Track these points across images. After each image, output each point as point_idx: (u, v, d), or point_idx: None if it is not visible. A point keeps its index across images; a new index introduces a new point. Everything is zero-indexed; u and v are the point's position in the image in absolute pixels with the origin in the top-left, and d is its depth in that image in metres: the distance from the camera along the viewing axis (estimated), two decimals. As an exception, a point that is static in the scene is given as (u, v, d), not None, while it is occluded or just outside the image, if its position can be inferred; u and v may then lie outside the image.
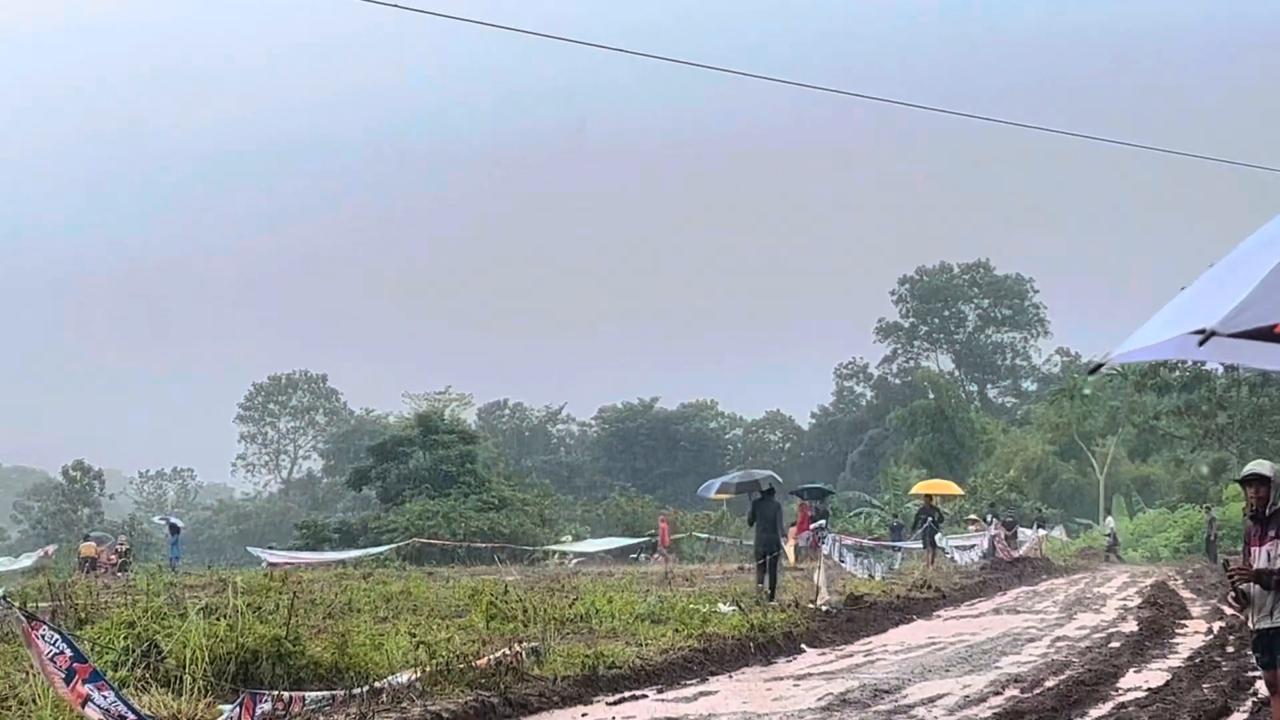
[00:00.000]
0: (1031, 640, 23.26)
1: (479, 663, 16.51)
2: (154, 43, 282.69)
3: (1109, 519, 67.15)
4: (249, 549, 79.88)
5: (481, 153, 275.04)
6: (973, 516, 61.78)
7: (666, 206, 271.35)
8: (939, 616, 29.71)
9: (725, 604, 26.36)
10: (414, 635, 19.33)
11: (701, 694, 17.11)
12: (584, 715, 15.57)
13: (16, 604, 12.98)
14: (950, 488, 60.47)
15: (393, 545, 63.33)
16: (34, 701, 13.34)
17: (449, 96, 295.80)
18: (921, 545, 47.32)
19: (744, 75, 45.91)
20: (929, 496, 50.73)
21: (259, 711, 12.83)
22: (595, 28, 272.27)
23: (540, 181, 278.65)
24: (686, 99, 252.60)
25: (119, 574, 48.37)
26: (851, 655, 21.43)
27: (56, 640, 12.01)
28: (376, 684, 14.92)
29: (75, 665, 11.88)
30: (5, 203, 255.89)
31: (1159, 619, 26.15)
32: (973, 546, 50.64)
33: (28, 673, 14.62)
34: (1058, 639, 23.39)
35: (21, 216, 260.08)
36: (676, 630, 21.96)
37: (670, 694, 17.06)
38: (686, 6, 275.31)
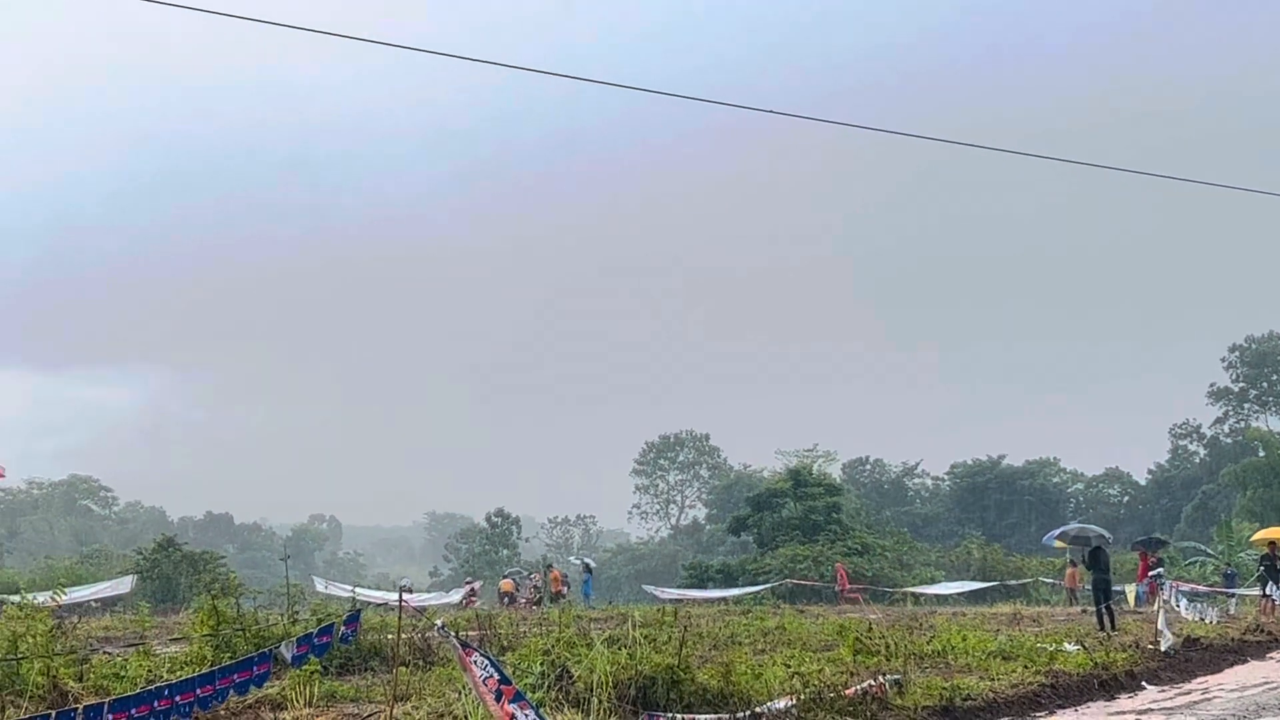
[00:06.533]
0: (1364, 682, 21.88)
1: (847, 692, 16.37)
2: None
3: None
4: (644, 586, 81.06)
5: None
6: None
7: (1007, 281, 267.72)
8: (1272, 658, 28.14)
9: (1070, 643, 25.56)
10: (789, 666, 19.29)
11: (1050, 725, 16.63)
12: (942, 742, 15.29)
13: (453, 633, 13.41)
14: None
15: (768, 585, 63.44)
16: (466, 718, 13.79)
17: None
18: (1261, 592, 44.60)
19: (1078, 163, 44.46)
20: (1272, 544, 47.57)
21: (656, 731, 12.98)
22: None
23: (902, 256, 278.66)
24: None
25: (534, 607, 49.58)
26: (1189, 693, 20.48)
27: (486, 665, 12.39)
28: (757, 709, 14.93)
29: (502, 687, 12.23)
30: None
31: None
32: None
33: (460, 692, 15.14)
34: (1389, 681, 21.95)
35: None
36: (1025, 666, 21.35)
37: (1021, 724, 16.63)
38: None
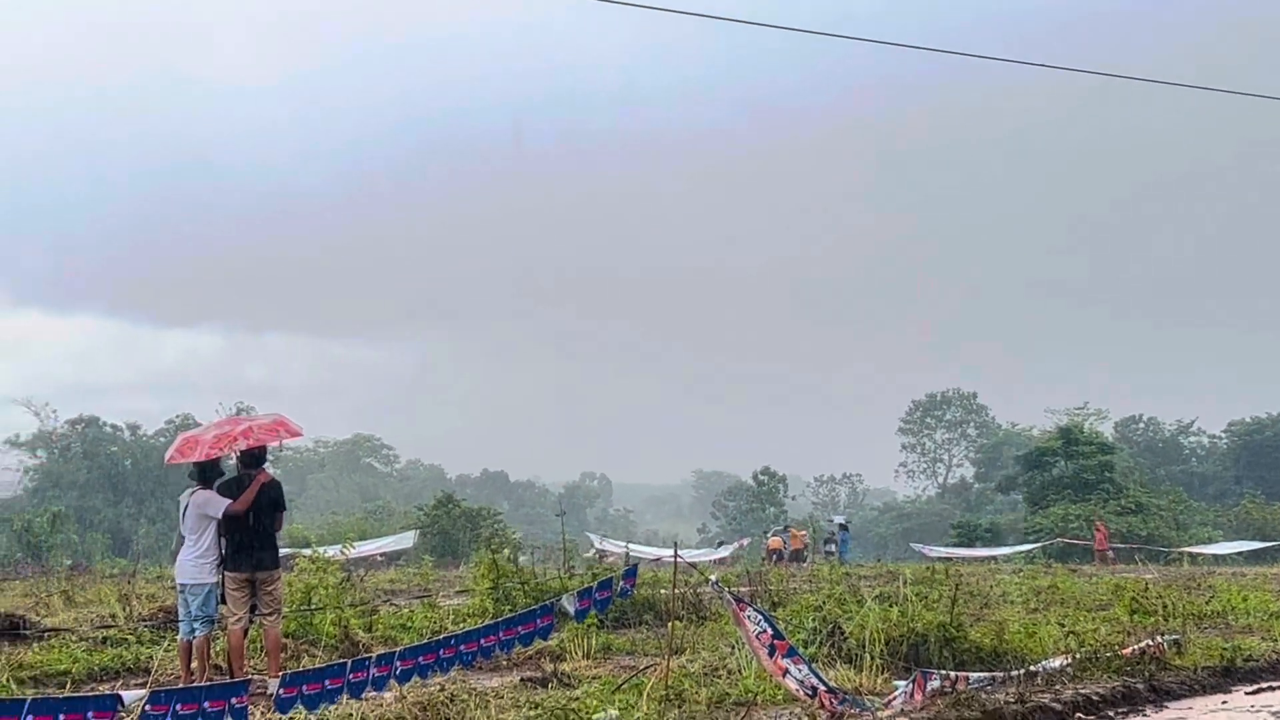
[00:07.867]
0: None
1: (1123, 652, 16.06)
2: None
3: None
4: (911, 545, 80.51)
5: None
6: None
7: None
8: None
9: (1360, 605, 24.54)
10: (1063, 625, 18.99)
11: (1338, 688, 16.02)
12: (1224, 703, 14.83)
13: (726, 589, 13.58)
14: None
15: (1038, 544, 62.40)
16: (739, 671, 13.95)
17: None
18: None
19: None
20: None
21: (929, 688, 12.93)
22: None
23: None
24: None
25: (801, 564, 49.66)
26: None
27: (759, 620, 12.50)
28: (1031, 668, 14.77)
29: (775, 642, 12.34)
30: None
31: None
32: None
33: (733, 646, 15.31)
34: None
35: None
36: (1312, 628, 20.62)
37: (1308, 687, 16.05)
38: None
